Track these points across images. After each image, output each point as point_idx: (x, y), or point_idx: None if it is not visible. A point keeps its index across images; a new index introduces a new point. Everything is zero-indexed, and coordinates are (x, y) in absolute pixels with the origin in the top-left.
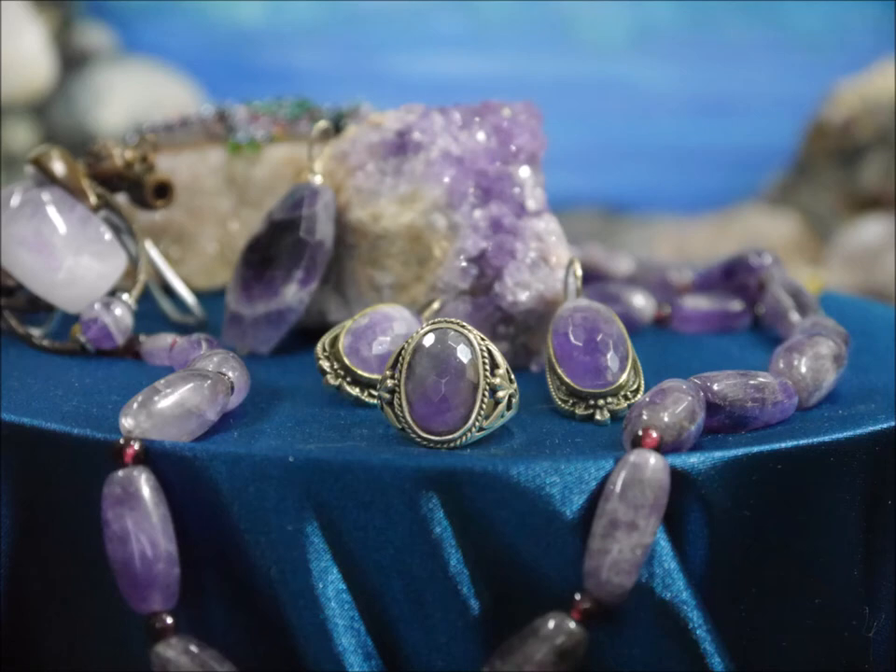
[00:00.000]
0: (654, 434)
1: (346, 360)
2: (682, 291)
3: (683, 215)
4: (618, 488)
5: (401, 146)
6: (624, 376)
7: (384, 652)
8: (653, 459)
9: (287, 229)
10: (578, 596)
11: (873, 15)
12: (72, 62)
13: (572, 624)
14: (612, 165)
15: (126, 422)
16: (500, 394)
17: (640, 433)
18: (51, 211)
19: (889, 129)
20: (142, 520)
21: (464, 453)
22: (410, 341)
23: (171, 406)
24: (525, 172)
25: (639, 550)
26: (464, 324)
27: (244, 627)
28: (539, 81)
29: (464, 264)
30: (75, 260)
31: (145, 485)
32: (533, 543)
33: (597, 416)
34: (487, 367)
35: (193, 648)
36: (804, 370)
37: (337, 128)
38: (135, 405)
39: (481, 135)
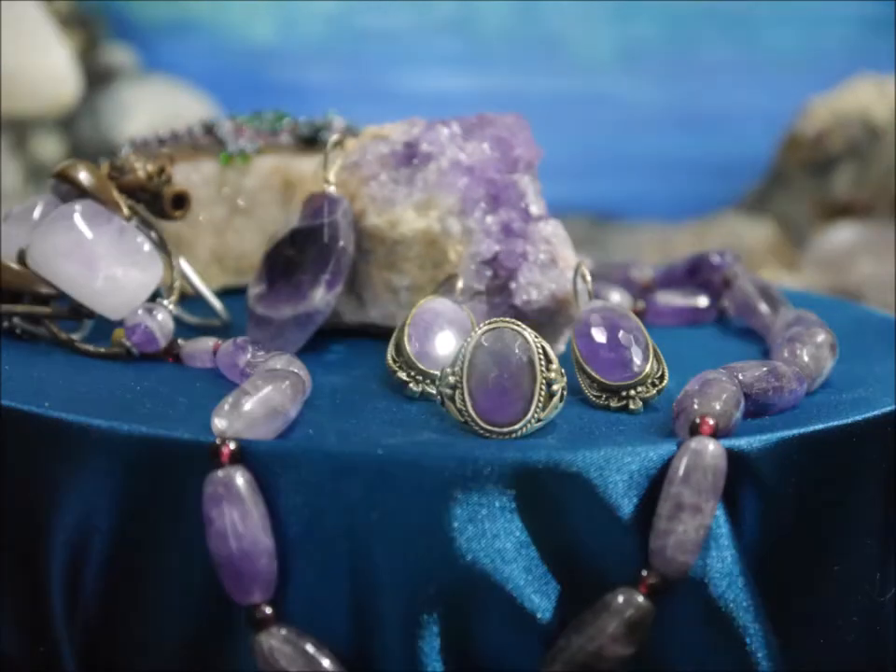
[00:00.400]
0: (711, 421)
1: (421, 365)
2: (645, 288)
3: (667, 222)
4: (681, 473)
5: (410, 156)
6: (648, 366)
7: (460, 648)
8: (712, 446)
9: (309, 236)
10: (644, 573)
11: (842, 35)
12: (97, 79)
13: (640, 598)
14: (600, 175)
15: (219, 423)
16: (555, 387)
17: (698, 421)
18: (91, 223)
19: (858, 141)
20: (244, 517)
21: (527, 443)
22: (469, 340)
23: (258, 406)
24: (526, 179)
25: (702, 530)
26: (518, 323)
27: (336, 618)
28: (531, 96)
29: (479, 267)
30: (117, 270)
31: (244, 483)
32: (599, 526)
33: (631, 406)
34: (543, 362)
35: (292, 636)
36: (806, 358)
37: (314, 139)
38: (227, 406)
39: (485, 146)
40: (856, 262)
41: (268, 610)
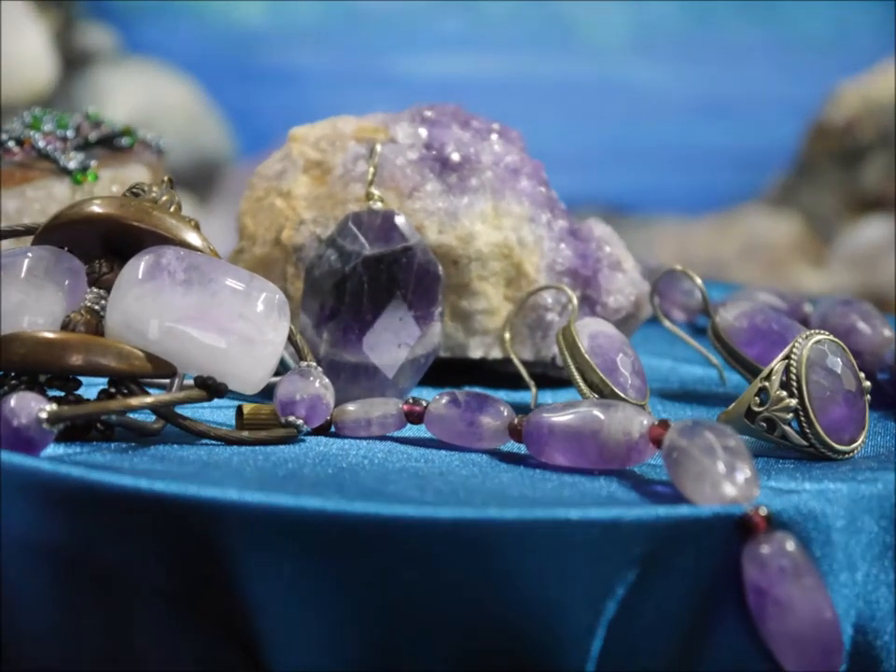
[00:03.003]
0: None
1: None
2: None
3: (685, 216)
4: None
5: (442, 160)
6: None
7: None
8: None
9: (393, 263)
10: None
11: (875, 16)
12: (73, 62)
13: None
14: (613, 166)
15: (733, 490)
16: (868, 398)
17: None
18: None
19: (890, 129)
20: (813, 585)
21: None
22: (795, 356)
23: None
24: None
25: None
26: (830, 335)
27: None
28: (538, 82)
29: (560, 278)
30: (249, 330)
31: (797, 549)
32: None
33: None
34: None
35: None
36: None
37: (112, 144)
38: (724, 470)
39: (511, 149)
40: (887, 261)
41: None
